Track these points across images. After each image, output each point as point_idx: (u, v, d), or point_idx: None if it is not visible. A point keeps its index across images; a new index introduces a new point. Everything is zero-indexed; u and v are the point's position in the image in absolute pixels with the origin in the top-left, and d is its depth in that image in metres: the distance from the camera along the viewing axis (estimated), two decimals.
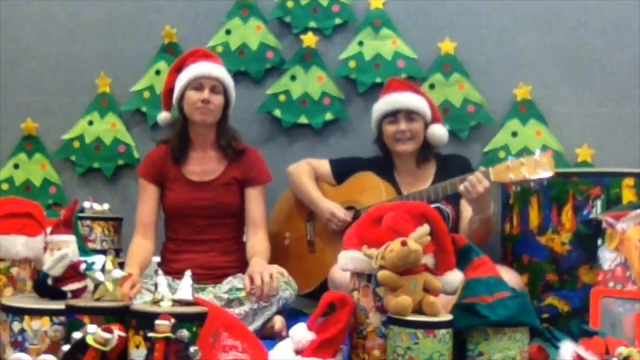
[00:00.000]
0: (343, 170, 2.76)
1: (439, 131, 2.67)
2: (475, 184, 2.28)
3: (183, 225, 2.54)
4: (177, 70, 2.59)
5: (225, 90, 2.55)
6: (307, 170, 2.78)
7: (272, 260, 2.51)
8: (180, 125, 2.56)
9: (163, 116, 2.66)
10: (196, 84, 2.50)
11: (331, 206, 2.65)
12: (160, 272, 1.96)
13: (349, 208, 2.66)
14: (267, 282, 2.29)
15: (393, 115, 2.63)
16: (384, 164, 2.72)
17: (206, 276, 2.41)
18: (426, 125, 2.66)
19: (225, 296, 2.32)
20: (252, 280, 2.31)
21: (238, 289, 2.33)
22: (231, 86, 2.58)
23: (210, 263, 2.48)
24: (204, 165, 2.56)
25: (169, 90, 2.61)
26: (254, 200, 2.57)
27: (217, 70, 2.55)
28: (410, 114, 2.62)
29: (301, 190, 2.76)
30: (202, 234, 2.52)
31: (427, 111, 2.66)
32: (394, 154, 2.69)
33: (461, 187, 2.32)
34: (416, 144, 2.64)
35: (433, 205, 2.33)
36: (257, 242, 2.52)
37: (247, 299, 2.31)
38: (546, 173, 2.20)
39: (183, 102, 2.53)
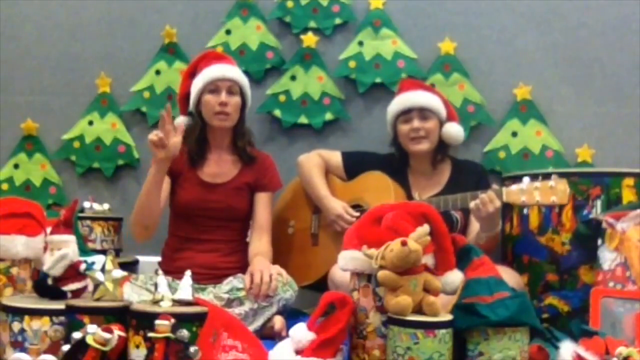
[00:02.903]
0: (355, 164, 2.72)
1: (454, 129, 2.64)
2: (486, 203, 2.26)
3: (189, 223, 2.53)
4: (191, 74, 2.59)
5: (242, 90, 2.55)
6: (317, 164, 2.74)
7: (274, 248, 2.52)
8: (199, 130, 2.55)
9: (180, 120, 2.61)
10: (212, 86, 2.50)
11: (337, 207, 2.60)
12: (160, 272, 1.95)
13: (355, 206, 2.63)
14: (266, 282, 2.29)
15: (406, 113, 2.61)
16: (398, 163, 2.69)
17: (207, 276, 2.41)
18: (441, 124, 2.64)
19: (226, 296, 2.32)
20: (252, 279, 2.32)
21: (238, 289, 2.33)
22: (247, 86, 2.58)
23: (212, 263, 2.47)
24: (218, 167, 2.56)
25: (185, 95, 2.61)
26: (262, 206, 2.57)
27: (232, 71, 2.54)
28: (423, 112, 2.60)
29: (309, 184, 2.71)
30: (207, 234, 2.52)
31: (441, 109, 2.63)
32: (409, 154, 2.67)
33: (472, 204, 2.30)
34: (431, 143, 2.61)
35: (442, 210, 2.33)
36: (260, 245, 2.52)
37: (248, 298, 2.31)
38: (559, 201, 2.18)
39: (200, 107, 2.53)
